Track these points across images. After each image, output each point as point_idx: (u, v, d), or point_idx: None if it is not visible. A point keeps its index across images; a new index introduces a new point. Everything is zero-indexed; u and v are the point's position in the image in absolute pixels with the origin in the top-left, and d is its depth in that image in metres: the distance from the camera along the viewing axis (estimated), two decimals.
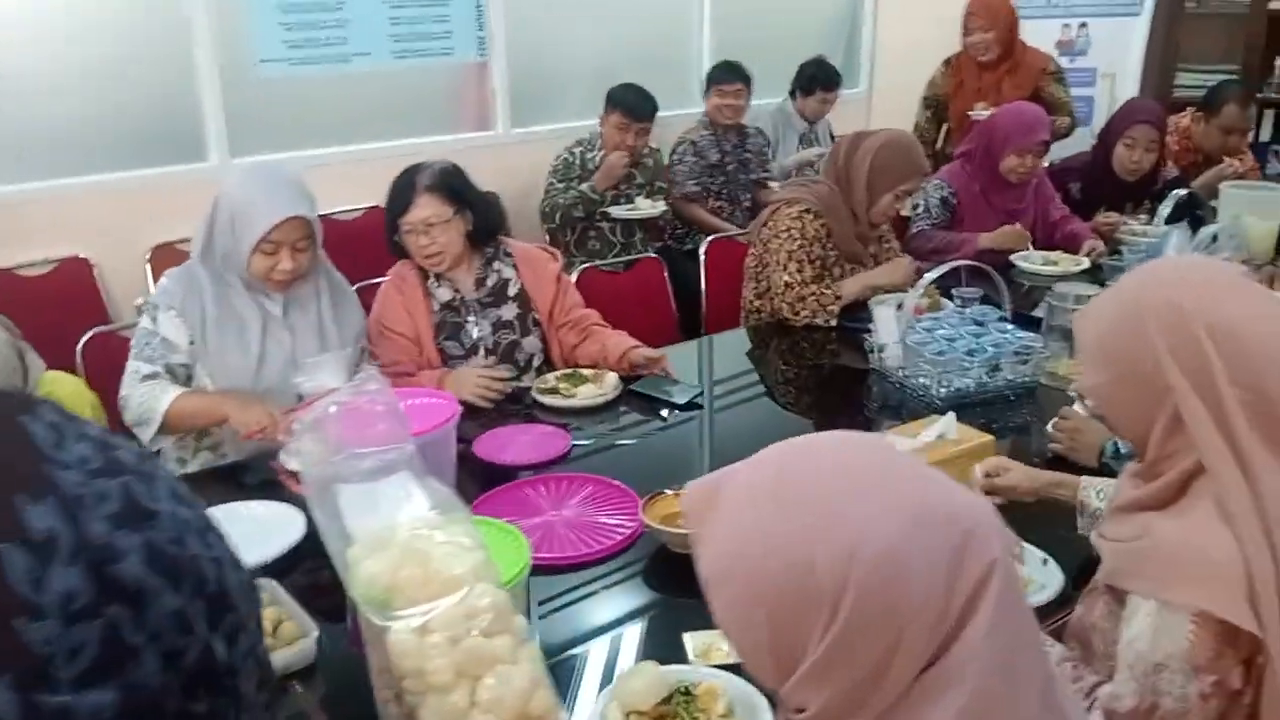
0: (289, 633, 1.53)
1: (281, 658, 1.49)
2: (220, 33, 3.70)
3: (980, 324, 2.59)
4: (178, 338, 2.25)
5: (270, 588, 1.62)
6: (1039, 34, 5.17)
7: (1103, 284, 3.27)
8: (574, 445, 2.25)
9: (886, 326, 2.51)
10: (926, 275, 2.59)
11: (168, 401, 2.17)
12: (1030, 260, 3.42)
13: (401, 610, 1.18)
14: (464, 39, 4.19)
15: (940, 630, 0.81)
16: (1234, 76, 5.44)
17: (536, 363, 2.65)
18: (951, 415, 2.02)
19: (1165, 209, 3.22)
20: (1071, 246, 3.54)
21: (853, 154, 3.01)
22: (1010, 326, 2.57)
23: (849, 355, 2.83)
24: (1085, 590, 1.45)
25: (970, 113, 4.27)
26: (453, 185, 2.51)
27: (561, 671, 1.50)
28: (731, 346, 3.05)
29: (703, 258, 3.46)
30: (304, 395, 1.35)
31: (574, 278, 3.33)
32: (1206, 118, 4.16)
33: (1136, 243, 3.37)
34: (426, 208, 2.46)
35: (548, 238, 4.11)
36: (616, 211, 4.00)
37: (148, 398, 2.18)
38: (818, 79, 4.82)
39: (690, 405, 2.45)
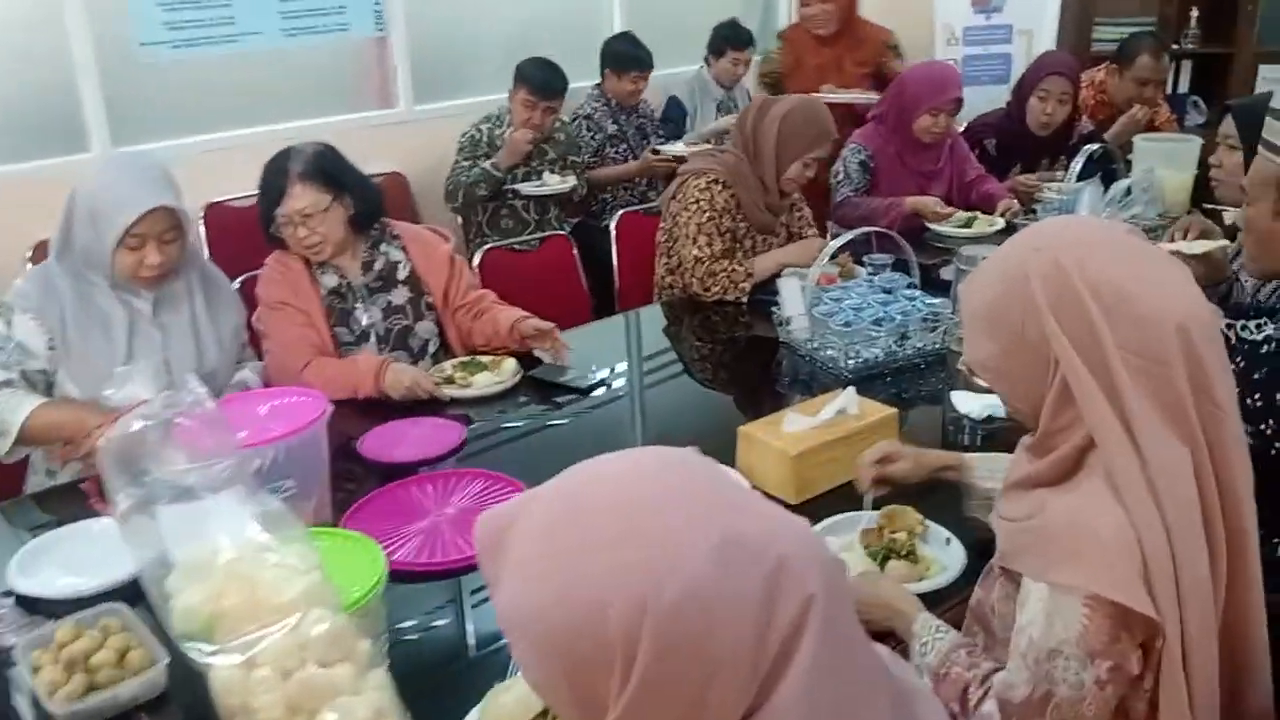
0: (136, 661, 1.41)
1: (128, 688, 1.37)
2: (96, 15, 3.49)
3: (889, 292, 2.52)
4: (35, 343, 2.10)
5: (119, 612, 1.49)
6: None
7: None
8: (473, 437, 2.14)
9: (792, 299, 2.42)
10: (831, 243, 2.51)
11: (25, 412, 2.02)
12: (944, 222, 3.36)
13: (224, 643, 1.07)
14: (360, 14, 4.01)
15: (754, 679, 0.71)
16: (1150, 28, 5.43)
17: (432, 348, 2.53)
18: (851, 390, 1.94)
19: (1077, 164, 3.16)
20: (988, 206, 3.48)
21: (760, 121, 2.92)
22: (919, 293, 2.50)
23: (762, 327, 2.74)
24: (983, 571, 1.38)
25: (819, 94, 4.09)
26: (329, 170, 2.37)
27: (500, 659, 1.45)
28: (646, 323, 2.95)
29: (613, 232, 3.34)
30: (114, 408, 1.22)
31: (479, 258, 3.22)
32: (1120, 70, 4.12)
33: (1051, 200, 3.32)
34: (302, 197, 2.32)
35: (460, 219, 3.98)
36: (525, 188, 3.87)
37: (2, 409, 2.03)
38: (728, 39, 4.70)
39: (591, 390, 2.35)
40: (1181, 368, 1.14)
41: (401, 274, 2.50)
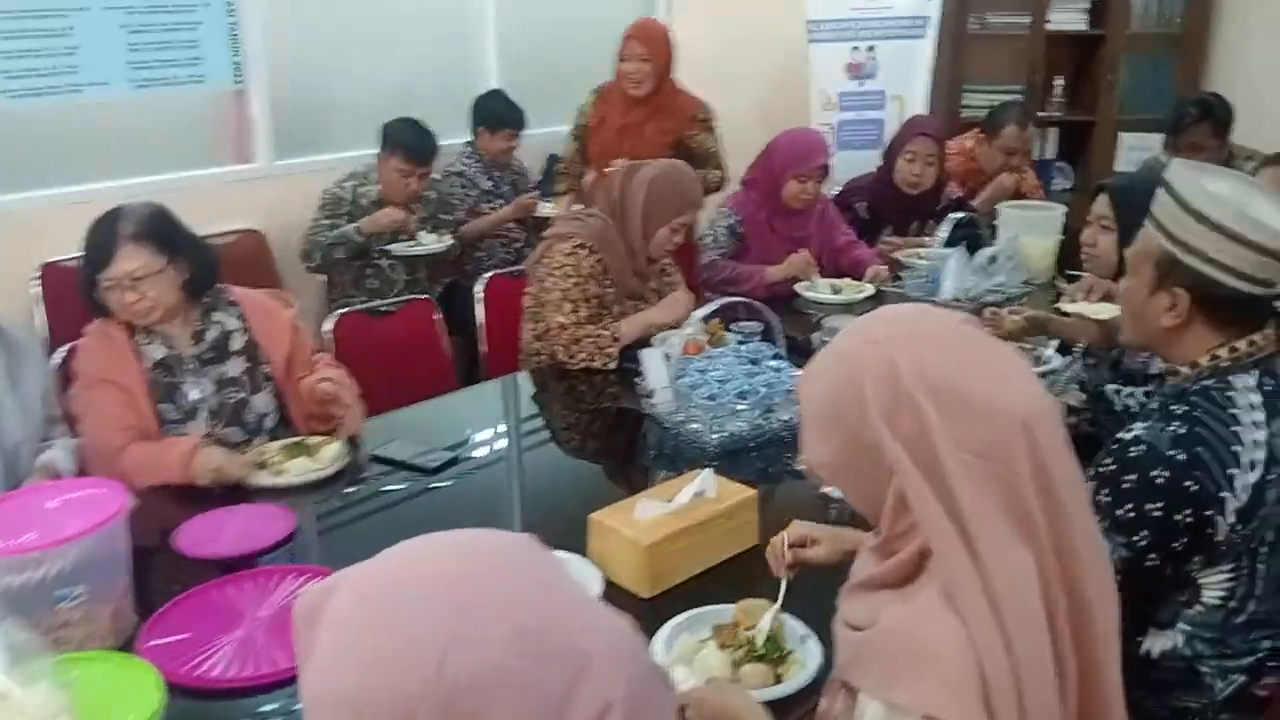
0: None
1: None
2: None
3: (755, 362, 2.44)
4: None
5: None
6: (828, 58, 5.19)
7: None
8: (308, 525, 1.98)
9: (655, 372, 2.33)
10: (695, 313, 2.44)
11: None
12: (815, 289, 3.33)
13: None
14: (217, 65, 3.83)
15: None
16: (1018, 96, 5.59)
17: (270, 424, 2.36)
18: (709, 472, 1.84)
19: (943, 231, 3.17)
20: (857, 272, 3.47)
21: (627, 186, 2.85)
22: (784, 363, 2.44)
23: (630, 397, 2.63)
24: (826, 680, 1.28)
25: (606, 170, 3.89)
26: (162, 231, 2.20)
27: None
28: (511, 393, 2.82)
29: (480, 295, 3.21)
30: None
31: (331, 324, 3.05)
32: (988, 139, 4.20)
33: (918, 266, 3.32)
34: (133, 259, 2.14)
35: (325, 278, 3.81)
36: (398, 249, 3.71)
37: None
38: None
39: (439, 470, 2.21)
40: (1025, 466, 1.07)
41: (236, 343, 2.32)
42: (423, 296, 3.35)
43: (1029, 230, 3.32)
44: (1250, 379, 1.54)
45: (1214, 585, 1.57)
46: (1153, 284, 1.59)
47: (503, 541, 0.78)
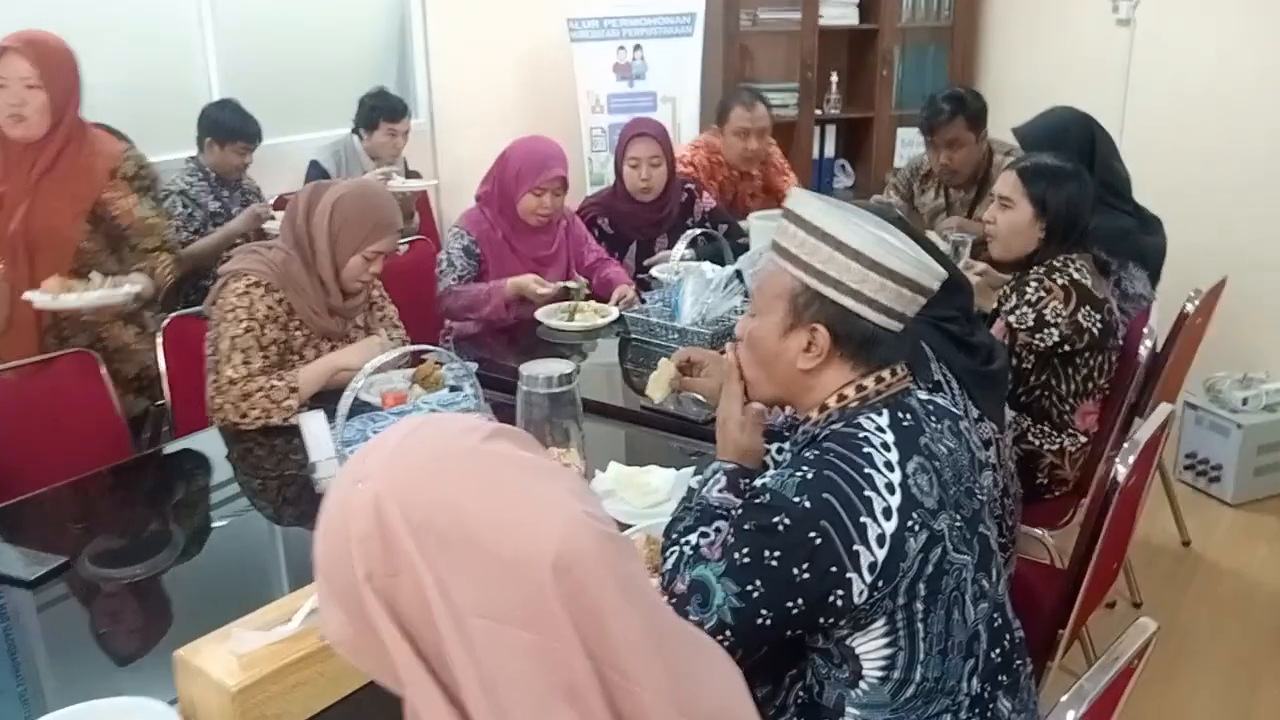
0: None
1: None
2: None
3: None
4: None
5: None
6: (593, 58, 4.92)
7: (626, 339, 2.92)
8: None
9: (316, 439, 1.96)
10: (381, 356, 2.08)
11: None
12: (554, 315, 3.01)
13: None
14: None
15: None
16: (794, 93, 5.46)
17: None
18: None
19: (679, 250, 2.91)
20: (607, 293, 3.18)
21: (310, 211, 2.47)
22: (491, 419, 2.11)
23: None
24: None
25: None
26: None
27: None
28: (190, 459, 2.40)
29: (159, 343, 2.74)
30: None
31: None
32: (721, 127, 4.01)
33: (661, 281, 3.05)
34: None
35: None
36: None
37: None
38: (381, 110, 4.26)
39: (42, 582, 1.78)
40: (564, 625, 0.77)
41: None
42: (83, 349, 2.76)
43: None
44: (882, 418, 1.38)
45: (873, 655, 1.36)
46: (787, 323, 1.42)
47: None
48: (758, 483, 1.39)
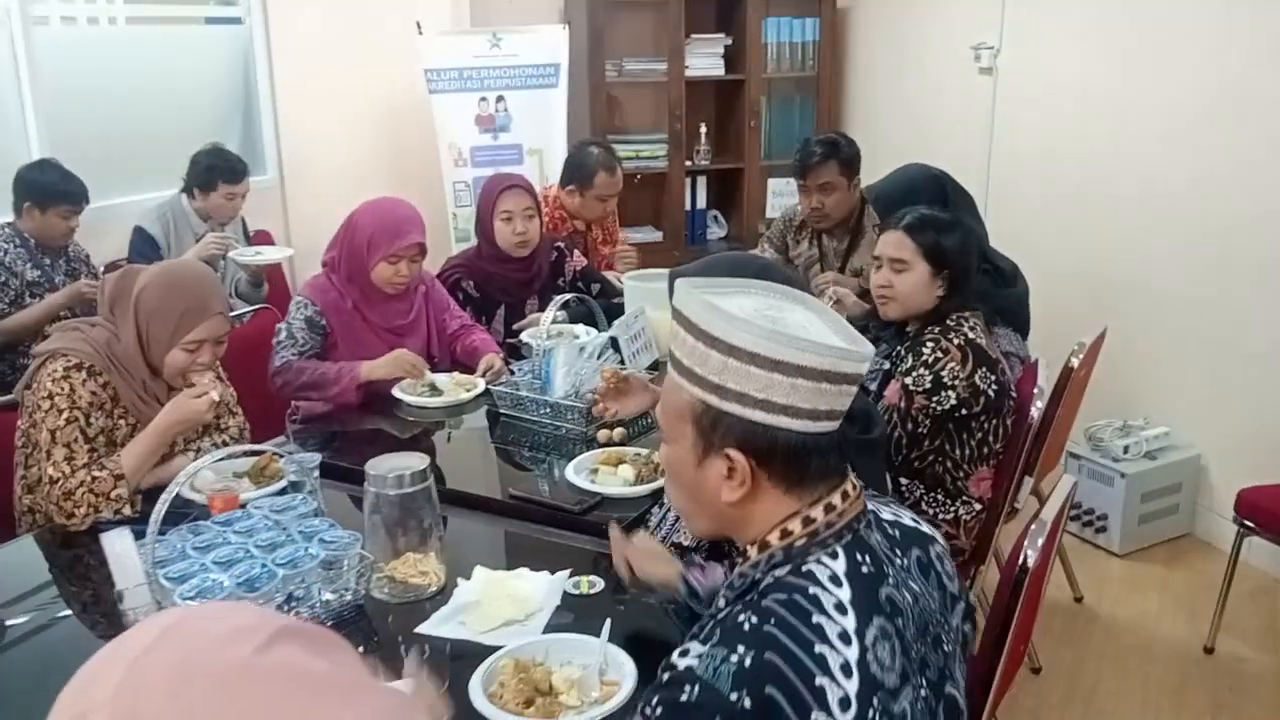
0: None
1: None
2: None
3: (286, 528, 1.84)
4: None
5: None
6: (453, 110, 4.70)
7: (495, 414, 2.69)
8: None
9: (122, 564, 1.66)
10: (201, 460, 1.80)
11: None
12: (412, 390, 2.75)
13: None
14: None
15: None
16: (663, 144, 5.35)
17: None
18: None
19: (549, 314, 2.69)
20: (473, 362, 2.94)
21: (120, 295, 2.19)
22: (321, 523, 1.85)
23: None
24: None
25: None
26: None
27: None
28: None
29: None
30: None
31: None
32: (580, 190, 3.82)
33: (532, 347, 2.83)
34: None
35: None
36: None
37: None
38: (218, 170, 3.92)
39: None
40: None
41: None
42: None
43: (657, 302, 2.90)
44: (838, 563, 1.12)
45: None
46: (699, 451, 1.16)
47: None
48: (681, 664, 1.06)
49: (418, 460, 1.82)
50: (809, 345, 1.08)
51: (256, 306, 3.37)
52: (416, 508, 1.81)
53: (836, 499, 1.15)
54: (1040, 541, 1.76)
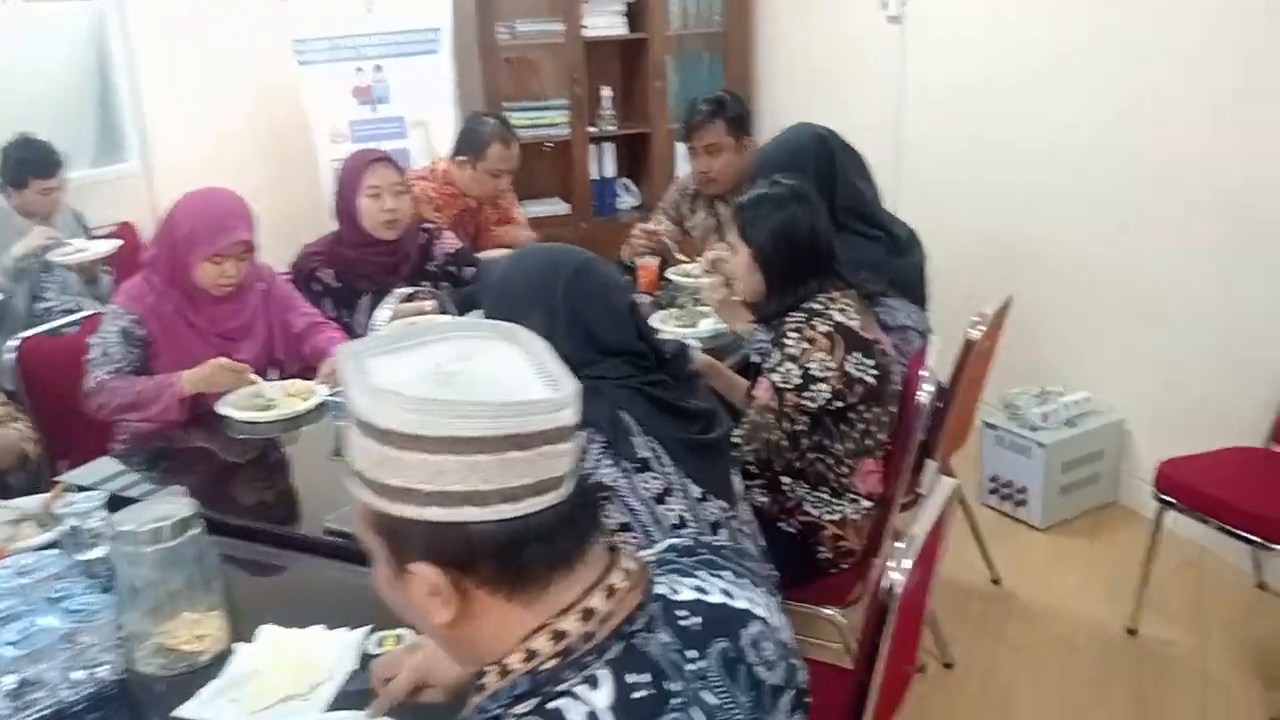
0: None
1: None
2: None
3: (54, 599, 1.56)
4: None
5: None
6: (327, 82, 4.37)
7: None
8: None
9: None
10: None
11: None
12: (243, 404, 2.46)
13: None
14: None
15: None
16: (564, 110, 5.05)
17: None
18: None
19: (385, 311, 2.39)
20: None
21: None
22: (77, 587, 1.57)
23: None
24: None
25: None
26: None
27: None
28: None
29: None
30: None
31: None
32: (472, 163, 3.53)
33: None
34: None
35: None
36: None
37: None
38: (28, 165, 3.58)
39: None
40: None
41: None
42: None
43: None
44: (598, 694, 0.84)
45: None
46: (393, 567, 0.89)
47: None
48: None
49: (181, 507, 1.54)
50: (477, 409, 0.81)
51: (88, 313, 3.04)
52: (183, 561, 1.53)
53: (597, 600, 0.87)
54: (908, 563, 1.52)
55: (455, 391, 0.82)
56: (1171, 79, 3.11)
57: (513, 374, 0.87)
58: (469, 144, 3.55)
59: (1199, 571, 3.08)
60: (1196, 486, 2.62)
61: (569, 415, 0.84)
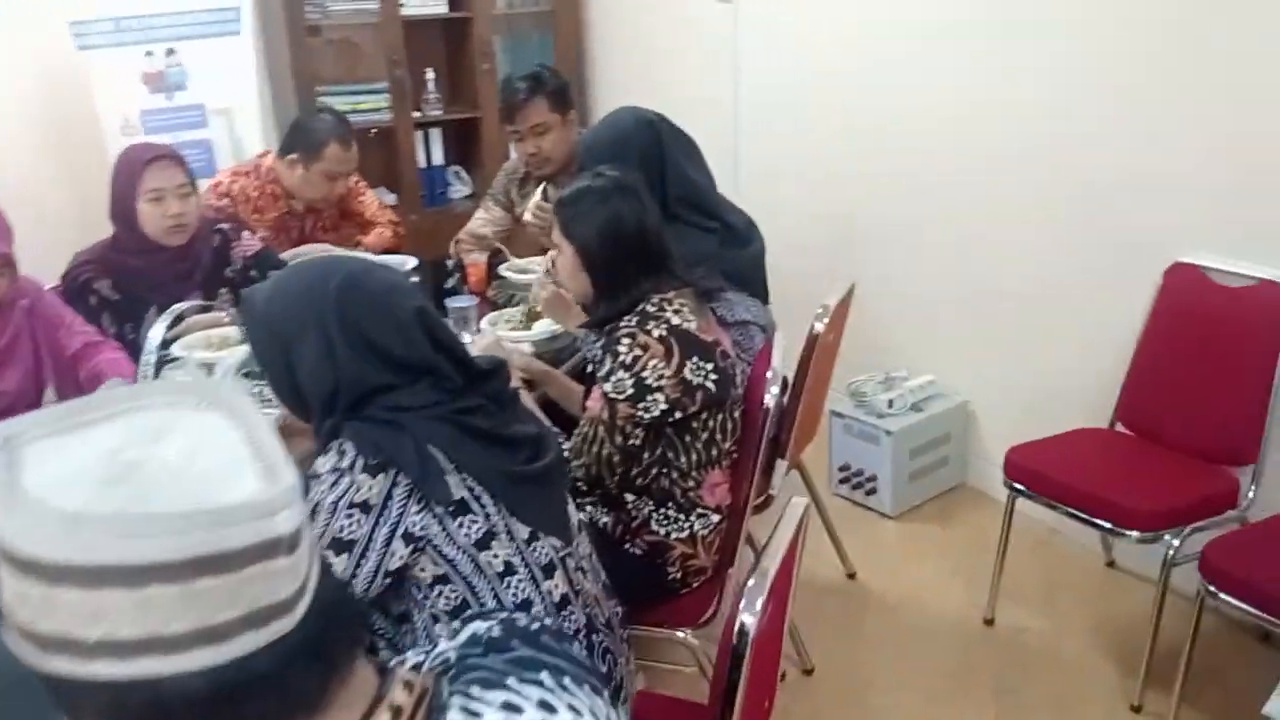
0: None
1: None
2: None
3: None
4: None
5: None
6: (114, 68, 3.94)
7: None
8: None
9: None
10: None
11: None
12: None
13: None
14: None
15: None
16: (384, 94, 4.74)
17: None
18: None
19: (159, 326, 2.10)
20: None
21: None
22: None
23: None
24: None
25: None
26: None
27: None
28: None
29: None
30: None
31: None
32: (304, 163, 3.22)
33: (181, 367, 2.25)
34: None
35: None
36: None
37: None
38: None
39: None
40: None
41: None
42: None
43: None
44: None
45: None
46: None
47: None
48: None
49: None
50: (147, 526, 0.58)
51: None
52: None
53: None
54: (760, 602, 1.36)
55: (128, 493, 0.59)
56: (1014, 60, 3.05)
57: (216, 460, 0.64)
58: (301, 142, 3.23)
59: (1050, 552, 3.07)
60: (1045, 472, 2.57)
61: (287, 520, 0.62)
